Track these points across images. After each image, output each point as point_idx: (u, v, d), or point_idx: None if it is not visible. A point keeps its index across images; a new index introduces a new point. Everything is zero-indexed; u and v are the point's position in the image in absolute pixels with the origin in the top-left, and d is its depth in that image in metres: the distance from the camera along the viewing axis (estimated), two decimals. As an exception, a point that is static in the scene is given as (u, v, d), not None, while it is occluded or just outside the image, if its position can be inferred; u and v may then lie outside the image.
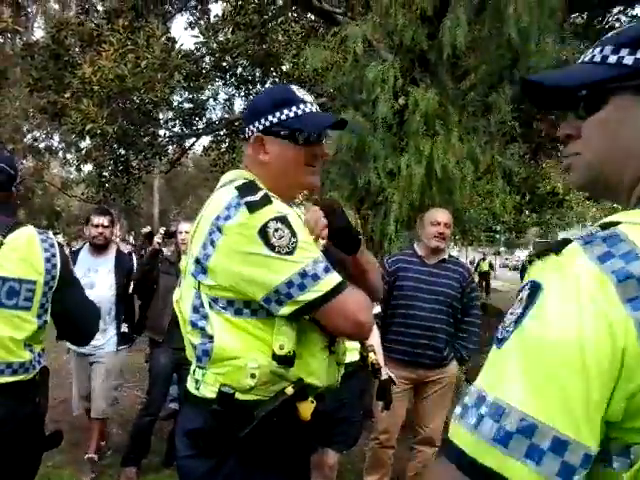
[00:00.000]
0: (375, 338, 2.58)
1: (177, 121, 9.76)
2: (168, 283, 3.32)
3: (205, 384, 1.28)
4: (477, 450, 0.57)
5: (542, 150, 10.09)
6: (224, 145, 10.61)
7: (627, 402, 0.57)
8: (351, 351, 1.82)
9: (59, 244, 1.85)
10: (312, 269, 1.19)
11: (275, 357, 1.22)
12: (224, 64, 9.27)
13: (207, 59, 9.08)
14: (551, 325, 0.58)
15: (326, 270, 1.22)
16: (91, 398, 3.56)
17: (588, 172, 0.74)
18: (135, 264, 3.72)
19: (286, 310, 1.20)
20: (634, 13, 8.13)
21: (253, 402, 1.24)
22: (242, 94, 10.48)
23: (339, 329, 1.28)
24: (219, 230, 1.21)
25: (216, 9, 31.73)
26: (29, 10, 14.28)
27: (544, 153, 10.41)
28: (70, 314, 1.86)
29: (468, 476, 0.58)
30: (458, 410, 0.62)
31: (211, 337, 1.25)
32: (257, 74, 9.86)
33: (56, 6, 16.47)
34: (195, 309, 1.29)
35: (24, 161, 17.41)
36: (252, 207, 1.19)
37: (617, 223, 0.64)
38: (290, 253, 1.19)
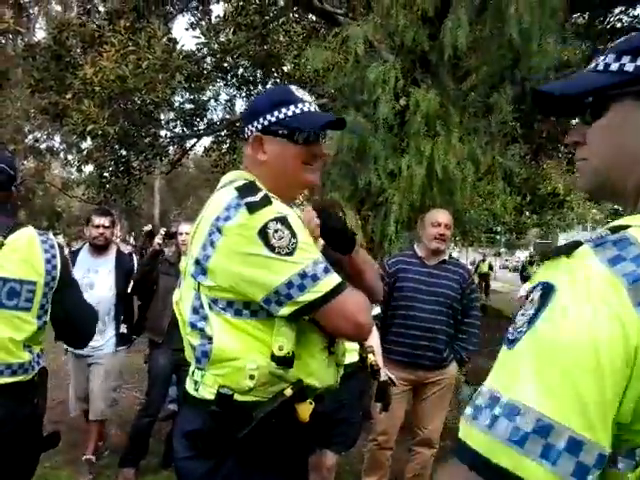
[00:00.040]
0: (374, 339, 2.57)
1: (178, 122, 9.76)
2: (168, 284, 3.32)
3: (204, 385, 1.28)
4: (492, 450, 0.57)
5: (543, 151, 10.09)
6: (225, 146, 10.62)
7: (636, 403, 0.58)
8: (350, 352, 1.81)
9: (59, 245, 1.85)
10: (312, 270, 1.19)
11: (274, 358, 1.22)
12: (225, 65, 9.28)
13: (208, 60, 9.09)
14: (565, 326, 0.58)
15: (326, 271, 1.21)
16: (89, 399, 3.54)
17: (594, 178, 0.77)
18: (136, 264, 3.72)
19: (286, 311, 1.20)
20: (635, 13, 8.15)
21: (252, 403, 1.24)
22: (243, 95, 10.50)
23: (339, 330, 1.28)
24: (219, 231, 1.21)
25: (217, 10, 31.80)
26: (31, 11, 14.31)
27: (545, 154, 10.41)
28: (68, 316, 1.85)
29: (482, 477, 0.58)
30: (469, 411, 0.61)
31: (210, 338, 1.25)
32: (258, 75, 9.87)
33: (58, 7, 16.50)
34: (195, 310, 1.29)
35: (25, 162, 17.44)
36: (252, 208, 1.19)
37: (626, 227, 0.65)
38: (290, 254, 1.18)
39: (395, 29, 4.80)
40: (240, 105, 11.94)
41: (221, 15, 8.73)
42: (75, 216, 21.86)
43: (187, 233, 3.32)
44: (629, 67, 0.70)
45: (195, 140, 10.84)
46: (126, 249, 3.92)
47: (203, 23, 9.07)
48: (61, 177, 21.34)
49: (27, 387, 1.75)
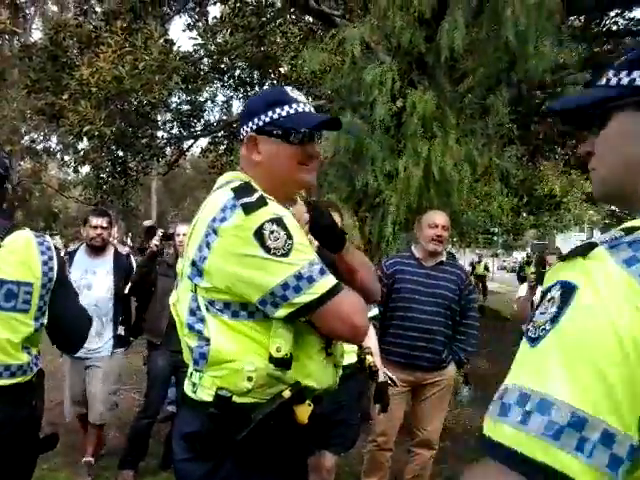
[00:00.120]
0: (372, 340, 2.57)
1: (175, 123, 9.75)
2: (166, 285, 3.32)
3: (202, 387, 1.28)
4: (526, 445, 0.58)
5: (540, 152, 10.12)
6: (222, 147, 10.60)
7: None
8: (349, 353, 1.82)
9: (55, 247, 1.84)
10: (307, 271, 1.19)
11: (272, 360, 1.22)
12: (222, 66, 9.28)
13: (205, 61, 9.08)
14: (590, 322, 0.60)
15: (321, 272, 1.22)
16: (89, 403, 3.50)
17: (602, 187, 0.81)
18: (134, 265, 3.70)
19: (282, 312, 1.20)
20: (631, 16, 8.15)
21: (250, 405, 1.24)
22: (240, 96, 10.49)
23: (334, 332, 1.28)
24: (215, 232, 1.21)
25: (214, 11, 31.79)
26: (27, 12, 14.28)
27: (542, 155, 10.44)
28: (60, 318, 1.83)
29: (519, 472, 0.58)
30: (496, 409, 0.62)
31: (208, 340, 1.25)
32: (255, 76, 9.86)
33: (54, 8, 16.47)
34: (192, 312, 1.28)
35: (22, 163, 17.39)
36: (248, 209, 1.19)
37: (639, 228, 0.67)
38: (285, 255, 1.19)
39: (392, 31, 4.80)
40: (237, 106, 11.94)
41: (218, 16, 8.72)
42: (72, 217, 21.80)
43: (184, 234, 3.31)
44: (624, 81, 0.76)
45: (192, 141, 10.81)
46: (123, 250, 3.90)
47: (200, 24, 9.06)
48: (58, 178, 21.28)
49: (25, 389, 1.74)
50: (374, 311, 2.72)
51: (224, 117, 10.97)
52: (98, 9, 8.26)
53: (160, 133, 9.38)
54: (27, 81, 7.60)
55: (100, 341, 3.48)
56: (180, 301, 1.34)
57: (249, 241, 1.18)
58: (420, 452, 3.07)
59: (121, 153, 8.48)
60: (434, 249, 2.96)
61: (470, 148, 4.77)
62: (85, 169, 9.86)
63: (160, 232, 3.70)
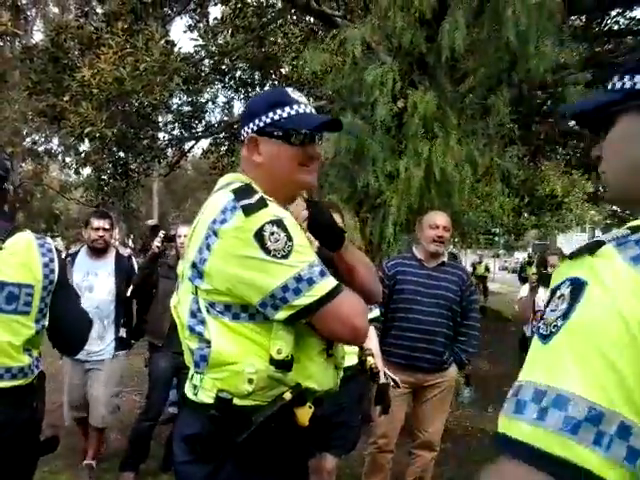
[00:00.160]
0: (373, 342, 2.57)
1: (176, 124, 9.77)
2: (167, 287, 3.30)
3: (203, 389, 1.27)
4: (544, 441, 0.58)
5: (541, 152, 10.11)
6: (223, 148, 10.61)
7: None
8: (349, 355, 1.81)
9: (56, 249, 1.84)
10: (307, 273, 1.19)
11: (273, 362, 1.21)
12: (223, 67, 9.29)
13: (206, 62, 9.09)
14: (601, 317, 0.60)
15: (321, 274, 1.21)
16: (90, 406, 3.48)
17: (610, 191, 0.83)
18: (135, 267, 3.70)
19: (282, 315, 1.20)
20: (633, 15, 8.14)
21: (251, 407, 1.23)
22: (241, 97, 10.50)
23: (335, 334, 1.27)
24: (215, 234, 1.21)
25: (215, 12, 31.83)
26: (28, 13, 14.31)
27: (543, 155, 10.42)
28: (61, 321, 1.83)
29: (538, 468, 0.58)
30: (511, 407, 0.62)
31: (208, 342, 1.25)
32: (256, 77, 9.88)
33: (55, 9, 16.51)
34: (192, 314, 1.28)
35: (23, 164, 17.42)
36: (248, 210, 1.19)
37: None
38: (285, 257, 1.18)
39: (393, 31, 4.80)
40: (238, 107, 11.94)
41: (219, 17, 8.73)
42: (73, 219, 21.81)
43: (185, 236, 3.30)
44: (627, 84, 0.77)
45: (193, 142, 10.84)
46: (125, 252, 3.90)
47: (201, 25, 9.07)
48: (59, 180, 21.32)
49: (26, 391, 1.74)
50: (375, 312, 2.72)
51: (225, 118, 10.98)
52: (99, 10, 8.28)
53: (161, 134, 9.40)
54: (28, 83, 7.62)
55: (102, 344, 3.46)
56: (181, 303, 1.34)
57: (249, 243, 1.18)
58: (421, 454, 3.06)
59: (122, 154, 8.50)
60: (435, 250, 2.96)
61: (471, 148, 4.76)
62: (86, 171, 9.90)
63: (162, 233, 3.69)
